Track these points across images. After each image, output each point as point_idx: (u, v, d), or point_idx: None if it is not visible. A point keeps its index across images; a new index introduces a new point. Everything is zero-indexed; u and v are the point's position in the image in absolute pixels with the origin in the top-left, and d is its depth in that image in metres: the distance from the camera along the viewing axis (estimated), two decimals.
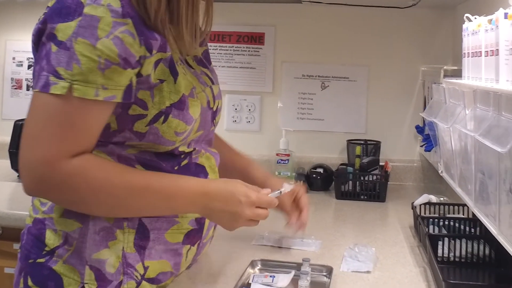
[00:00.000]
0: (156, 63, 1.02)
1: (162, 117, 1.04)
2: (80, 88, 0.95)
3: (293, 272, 1.19)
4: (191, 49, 1.13)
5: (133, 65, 0.98)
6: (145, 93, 1.02)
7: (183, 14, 1.07)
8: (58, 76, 0.94)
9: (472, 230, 1.44)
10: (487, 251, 1.31)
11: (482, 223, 1.34)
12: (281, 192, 1.26)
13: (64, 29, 0.95)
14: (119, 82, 0.98)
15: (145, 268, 1.09)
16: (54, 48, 0.95)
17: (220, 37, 2.30)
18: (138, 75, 1.01)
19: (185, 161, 1.13)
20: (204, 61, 1.25)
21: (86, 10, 0.95)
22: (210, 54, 1.32)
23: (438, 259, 1.28)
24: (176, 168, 1.11)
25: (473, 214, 1.38)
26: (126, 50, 0.97)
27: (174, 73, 1.05)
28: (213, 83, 1.22)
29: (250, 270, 1.23)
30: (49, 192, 1.00)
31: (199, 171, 1.16)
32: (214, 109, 1.20)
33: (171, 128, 1.05)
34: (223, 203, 1.09)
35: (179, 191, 1.06)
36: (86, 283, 1.05)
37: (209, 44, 2.18)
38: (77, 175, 0.98)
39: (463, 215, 1.57)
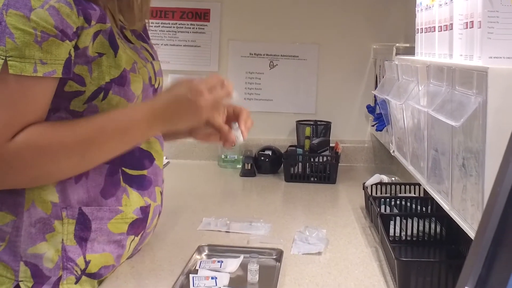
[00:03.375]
0: (95, 35, 0.96)
1: (102, 94, 0.98)
2: (16, 65, 0.88)
3: (241, 257, 1.15)
4: (139, 22, 1.09)
5: (70, 36, 0.92)
6: (82, 68, 0.96)
7: None
8: None
9: (424, 208, 1.43)
10: (438, 229, 1.31)
11: (433, 202, 1.34)
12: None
13: None
14: (58, 55, 0.91)
15: (87, 263, 1.02)
16: None
17: (163, 13, 2.18)
18: (75, 47, 0.94)
19: None
20: (144, 36, 1.19)
21: None
22: (152, 31, 1.25)
23: (390, 238, 1.27)
24: None
25: (425, 193, 1.38)
26: (63, 21, 0.91)
27: (114, 46, 1.00)
28: (153, 59, 1.17)
29: (197, 256, 1.19)
30: (6, 175, 0.92)
31: (144, 156, 1.10)
32: (156, 86, 1.14)
33: (112, 105, 0.99)
34: (177, 111, 1.01)
35: (132, 123, 0.99)
36: (21, 281, 0.97)
37: (151, 20, 2.10)
38: (27, 148, 0.91)
39: (415, 194, 1.56)
